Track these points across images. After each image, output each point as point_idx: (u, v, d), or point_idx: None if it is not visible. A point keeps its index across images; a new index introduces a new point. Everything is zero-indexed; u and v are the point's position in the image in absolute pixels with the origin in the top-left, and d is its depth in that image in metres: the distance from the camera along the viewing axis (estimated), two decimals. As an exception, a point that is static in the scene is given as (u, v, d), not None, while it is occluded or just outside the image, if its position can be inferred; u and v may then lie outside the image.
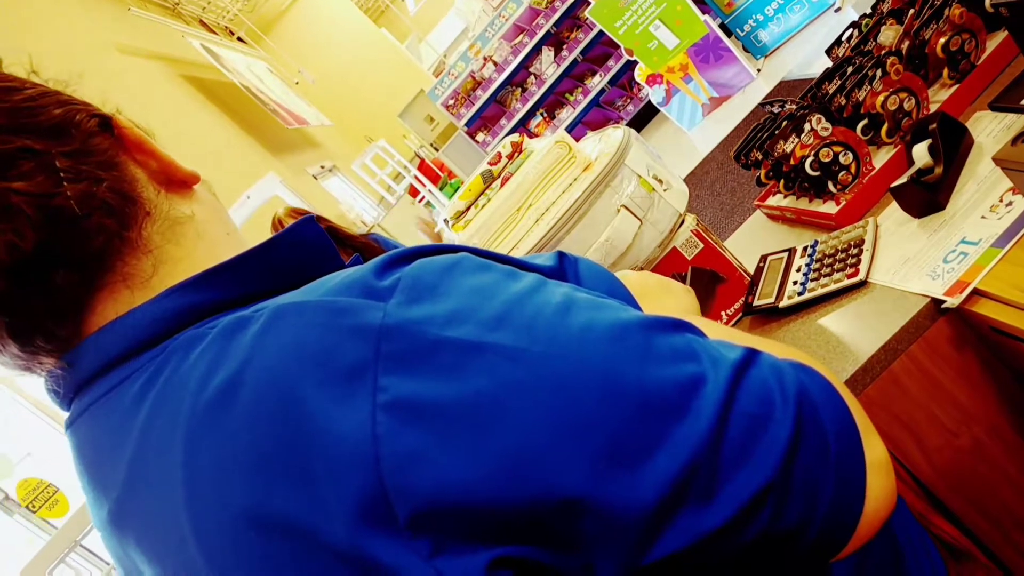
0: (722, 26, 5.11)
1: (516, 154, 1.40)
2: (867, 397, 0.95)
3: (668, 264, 1.27)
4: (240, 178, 5.99)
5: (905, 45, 1.24)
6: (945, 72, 1.22)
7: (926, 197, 1.05)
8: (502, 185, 1.36)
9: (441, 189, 8.98)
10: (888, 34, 1.31)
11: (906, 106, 1.20)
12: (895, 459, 0.97)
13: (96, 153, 0.57)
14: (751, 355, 0.50)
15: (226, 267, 0.57)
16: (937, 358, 0.95)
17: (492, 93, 7.27)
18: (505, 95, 7.43)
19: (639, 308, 0.61)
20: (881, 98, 1.20)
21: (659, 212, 1.24)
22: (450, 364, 0.44)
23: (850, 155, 1.23)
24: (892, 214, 1.15)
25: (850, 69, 1.31)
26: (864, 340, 0.98)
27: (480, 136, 7.56)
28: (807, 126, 1.25)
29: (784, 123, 1.35)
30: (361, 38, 13.25)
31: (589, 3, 5.07)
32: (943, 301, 0.92)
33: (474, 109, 7.36)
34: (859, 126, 1.25)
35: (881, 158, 1.24)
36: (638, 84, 5.84)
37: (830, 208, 1.28)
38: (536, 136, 6.98)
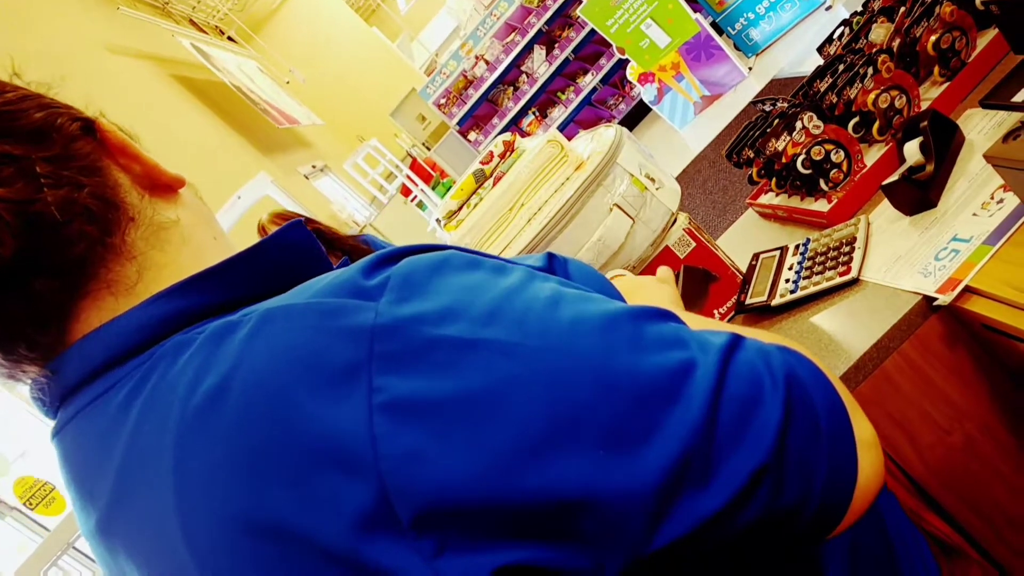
0: (713, 24, 5.12)
1: (508, 153, 1.40)
2: (860, 395, 0.95)
3: (660, 263, 1.26)
4: (231, 178, 5.98)
5: (896, 43, 1.24)
6: (936, 70, 1.22)
7: (918, 195, 1.05)
8: (494, 184, 1.36)
9: (433, 188, 8.98)
10: (879, 32, 1.31)
11: (897, 104, 1.20)
12: (888, 456, 0.97)
13: (78, 158, 0.56)
14: (737, 340, 0.51)
15: (213, 272, 0.56)
16: (929, 355, 0.95)
17: (484, 92, 7.27)
18: (497, 94, 7.42)
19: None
20: (872, 96, 1.20)
21: (651, 211, 1.23)
22: (445, 362, 0.44)
23: (841, 153, 1.23)
24: (884, 212, 1.15)
25: (841, 67, 1.32)
26: (856, 338, 0.98)
27: (472, 135, 7.56)
28: (799, 124, 1.25)
29: (776, 121, 1.35)
30: (352, 37, 13.23)
31: (581, 2, 5.07)
32: (935, 299, 0.92)
33: (466, 108, 7.36)
34: (850, 124, 1.25)
35: (872, 156, 1.24)
36: (630, 83, 5.85)
37: (822, 206, 1.28)
38: (528, 135, 6.97)
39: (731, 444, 0.46)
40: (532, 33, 6.83)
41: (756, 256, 1.34)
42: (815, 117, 1.24)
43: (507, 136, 1.44)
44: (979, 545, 0.98)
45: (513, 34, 7.00)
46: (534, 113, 7.33)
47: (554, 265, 0.62)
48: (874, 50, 1.25)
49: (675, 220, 1.29)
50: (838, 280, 1.09)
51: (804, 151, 1.24)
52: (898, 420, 0.96)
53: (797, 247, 1.25)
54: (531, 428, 0.43)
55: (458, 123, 7.50)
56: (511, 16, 6.83)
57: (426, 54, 14.77)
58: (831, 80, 1.31)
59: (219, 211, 5.21)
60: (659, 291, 0.82)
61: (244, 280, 0.57)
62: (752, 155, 1.45)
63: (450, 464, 0.42)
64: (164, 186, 0.62)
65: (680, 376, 0.46)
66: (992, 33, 1.19)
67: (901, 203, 1.08)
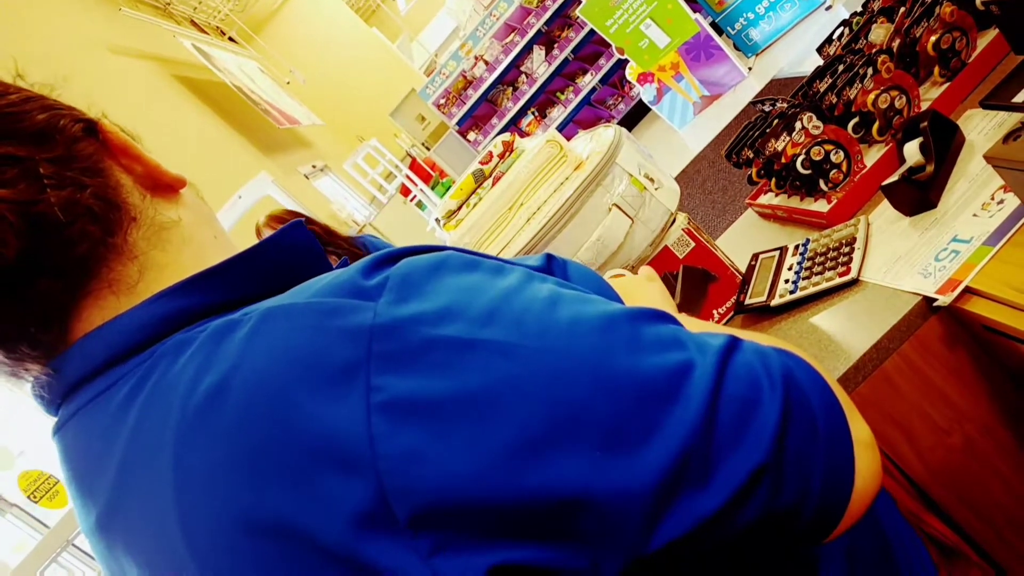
0: (713, 24, 5.12)
1: (507, 153, 1.40)
2: (859, 395, 0.95)
3: (659, 263, 1.26)
4: (232, 178, 5.99)
5: (896, 43, 1.24)
6: (936, 70, 1.22)
7: (917, 195, 1.05)
8: (493, 184, 1.36)
9: (432, 188, 8.98)
10: (879, 32, 1.31)
11: (897, 104, 1.20)
12: (887, 457, 0.97)
13: (80, 159, 0.56)
14: (734, 342, 0.51)
15: (214, 271, 0.57)
16: (929, 356, 0.95)
17: (483, 92, 7.27)
18: (496, 94, 7.42)
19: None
20: (872, 96, 1.20)
21: (650, 211, 1.23)
22: (443, 362, 0.44)
23: (841, 153, 1.23)
24: (884, 212, 1.14)
25: (841, 67, 1.31)
26: (856, 338, 0.98)
27: (471, 135, 7.56)
28: (798, 124, 1.24)
29: (775, 121, 1.35)
30: (352, 37, 13.24)
31: (580, 2, 5.07)
32: (935, 299, 0.92)
33: (465, 108, 7.36)
34: (850, 124, 1.25)
35: (872, 156, 1.24)
36: (629, 83, 5.85)
37: (821, 206, 1.28)
38: (527, 135, 6.97)
39: (729, 444, 0.46)
40: (531, 33, 6.83)
41: (755, 256, 1.34)
42: (815, 117, 1.23)
43: (506, 136, 1.43)
44: (979, 546, 0.97)
45: (512, 34, 7.00)
46: (533, 113, 7.33)
47: (552, 266, 0.62)
48: (874, 50, 1.25)
49: (674, 220, 1.28)
50: (838, 281, 1.09)
51: (804, 151, 1.23)
52: (898, 421, 0.96)
53: (797, 247, 1.25)
54: (529, 428, 0.43)
55: (457, 123, 7.50)
56: (510, 16, 6.83)
57: (426, 54, 14.79)
58: (831, 80, 1.31)
59: (220, 210, 5.21)
60: (652, 291, 0.82)
61: (245, 279, 0.57)
62: (752, 155, 1.45)
63: (448, 464, 0.42)
64: (165, 186, 0.63)
65: (678, 377, 0.47)
66: (992, 33, 1.19)
67: (901, 204, 1.08)
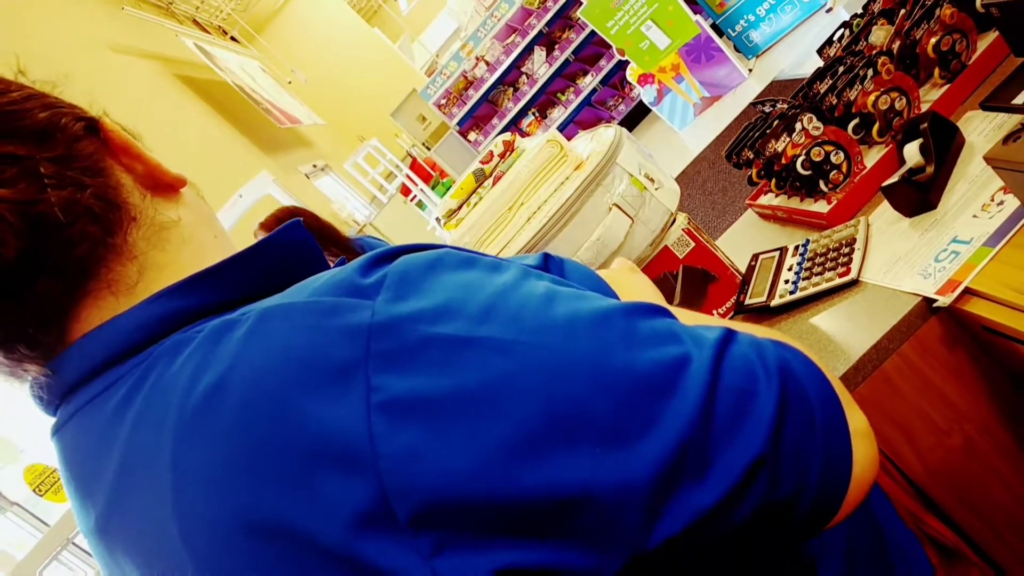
0: (714, 26, 5.12)
1: (508, 153, 1.40)
2: (859, 396, 0.95)
3: (659, 263, 1.27)
4: (233, 177, 5.99)
5: (896, 45, 1.24)
6: (936, 72, 1.22)
7: (917, 196, 1.05)
8: (494, 184, 1.36)
9: (433, 188, 8.98)
10: (879, 34, 1.31)
11: (897, 105, 1.20)
12: (887, 458, 0.97)
13: (81, 158, 0.56)
14: (729, 334, 0.51)
15: (212, 271, 0.56)
16: (929, 357, 0.95)
17: (484, 93, 7.27)
18: (497, 95, 7.43)
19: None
20: (872, 97, 1.20)
21: (650, 211, 1.23)
22: (441, 360, 0.44)
23: (841, 154, 1.23)
24: (883, 213, 1.15)
25: (841, 69, 1.32)
26: (856, 339, 0.98)
27: (472, 135, 7.56)
28: (798, 125, 1.25)
29: (775, 122, 1.35)
30: (354, 37, 13.23)
31: (581, 3, 5.07)
32: (935, 300, 0.92)
33: (466, 108, 7.36)
34: (850, 125, 1.25)
35: (872, 157, 1.24)
36: (630, 84, 5.85)
37: (821, 207, 1.28)
38: (528, 135, 6.97)
39: (728, 436, 0.46)
40: (532, 34, 6.83)
41: (755, 257, 1.34)
42: (815, 118, 1.24)
43: (507, 136, 1.44)
44: (979, 547, 0.97)
45: (513, 35, 7.00)
46: (534, 114, 7.33)
47: (550, 265, 0.62)
48: (874, 52, 1.25)
49: (674, 220, 1.29)
50: (838, 281, 1.09)
51: (804, 152, 1.24)
52: (897, 422, 0.96)
53: (797, 248, 1.25)
54: (528, 425, 0.43)
55: (458, 123, 7.50)
56: (512, 17, 6.83)
57: (427, 55, 14.79)
58: (831, 82, 1.31)
59: (221, 209, 5.21)
60: (639, 284, 0.82)
61: (243, 279, 0.57)
62: (752, 156, 1.45)
63: (448, 462, 0.42)
64: (166, 186, 0.62)
65: (675, 370, 0.47)
66: (992, 36, 1.19)
67: (901, 204, 1.08)
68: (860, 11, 1.55)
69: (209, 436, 0.45)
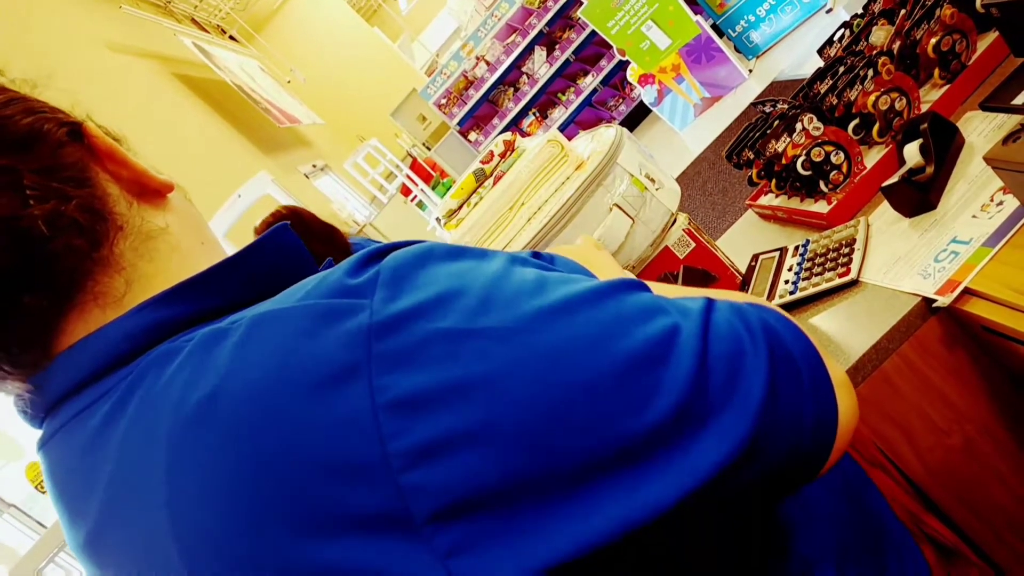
0: (714, 27, 5.12)
1: (508, 153, 1.40)
2: (859, 396, 0.94)
3: (660, 263, 1.27)
4: (232, 176, 5.98)
5: (896, 45, 1.24)
6: (936, 72, 1.22)
7: (917, 196, 1.05)
8: (494, 184, 1.36)
9: (433, 188, 8.97)
10: (879, 34, 1.31)
11: (897, 106, 1.20)
12: (887, 458, 0.97)
13: (65, 167, 0.54)
14: (710, 303, 0.52)
15: (199, 279, 0.55)
16: (928, 357, 0.95)
17: (484, 92, 7.26)
18: (497, 94, 7.42)
19: None
20: (872, 98, 1.20)
21: (651, 211, 1.23)
22: (444, 354, 0.44)
23: (841, 154, 1.23)
24: (883, 213, 1.15)
25: (842, 69, 1.32)
26: (855, 339, 0.98)
27: (472, 135, 7.55)
28: (799, 126, 1.25)
29: (776, 123, 1.35)
30: (353, 37, 13.22)
31: (581, 3, 5.07)
32: (934, 300, 0.92)
33: (466, 108, 7.35)
34: (850, 126, 1.25)
35: (872, 158, 1.24)
36: (630, 84, 5.85)
37: (821, 207, 1.28)
38: (528, 135, 6.97)
39: (725, 400, 0.47)
40: (533, 34, 6.83)
41: (755, 257, 1.34)
42: (815, 119, 1.24)
43: (507, 136, 1.44)
44: (978, 547, 0.98)
45: (514, 35, 7.00)
46: (534, 114, 7.33)
47: (540, 259, 0.62)
48: (874, 52, 1.25)
49: (675, 220, 1.29)
50: (837, 281, 1.09)
51: (804, 152, 1.24)
52: (897, 422, 0.96)
53: (796, 248, 1.25)
54: (537, 409, 0.44)
55: (458, 123, 7.50)
56: (512, 17, 6.83)
57: (427, 54, 14.78)
58: (831, 82, 1.31)
59: (219, 210, 5.20)
60: (604, 259, 0.83)
61: (230, 286, 0.56)
62: (752, 156, 1.45)
63: (464, 455, 0.42)
64: (152, 192, 0.61)
65: (667, 340, 0.47)
66: (992, 36, 1.19)
67: (901, 205, 1.08)
68: (860, 11, 1.55)
69: (205, 448, 0.44)
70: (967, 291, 0.89)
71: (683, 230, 1.27)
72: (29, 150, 0.53)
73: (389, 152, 9.62)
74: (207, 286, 0.55)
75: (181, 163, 5.35)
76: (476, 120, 7.55)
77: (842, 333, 1.02)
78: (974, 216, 0.96)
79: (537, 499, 0.43)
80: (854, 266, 1.08)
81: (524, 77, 7.25)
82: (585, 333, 0.47)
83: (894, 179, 1.08)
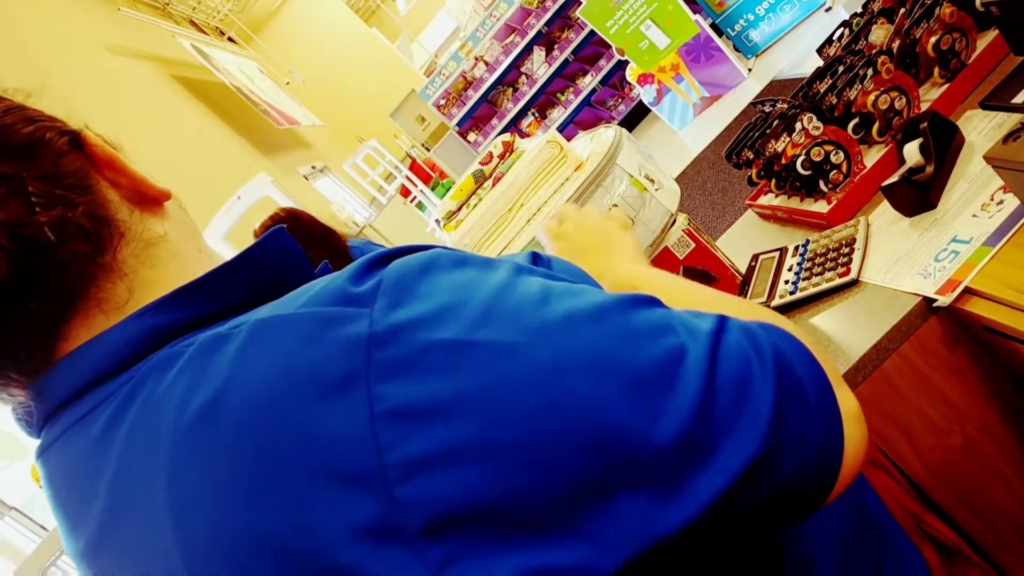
0: (713, 26, 5.13)
1: (507, 154, 1.40)
2: (859, 396, 0.94)
3: (660, 264, 1.26)
4: (231, 179, 5.99)
5: (896, 44, 1.24)
6: (936, 71, 1.22)
7: (917, 196, 1.05)
8: (493, 185, 1.36)
9: (432, 189, 8.98)
10: (879, 33, 1.31)
11: (897, 105, 1.20)
12: (887, 458, 0.97)
13: (67, 175, 0.54)
14: (722, 322, 0.51)
15: (197, 284, 0.55)
16: (929, 357, 0.95)
17: (483, 93, 7.27)
18: (496, 95, 7.42)
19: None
20: (872, 97, 1.20)
21: (651, 211, 1.23)
22: (443, 365, 0.44)
23: (841, 154, 1.23)
24: (883, 213, 1.15)
25: (841, 68, 1.32)
26: (856, 339, 0.98)
27: (471, 136, 7.56)
28: (798, 125, 1.25)
29: (775, 122, 1.35)
30: (352, 38, 13.23)
31: (580, 3, 5.07)
32: (935, 300, 0.92)
33: (465, 109, 7.36)
34: (850, 125, 1.25)
35: (872, 157, 1.24)
36: (629, 84, 5.85)
37: (821, 207, 1.28)
38: (527, 136, 6.98)
39: (730, 426, 0.46)
40: (532, 34, 6.83)
41: (755, 257, 1.34)
42: (815, 118, 1.24)
43: (506, 137, 1.44)
44: (979, 547, 0.97)
45: (513, 35, 7.00)
46: (533, 114, 7.33)
47: (539, 263, 0.62)
48: (874, 51, 1.25)
49: (674, 221, 1.29)
50: (838, 281, 1.09)
51: (804, 152, 1.24)
52: (898, 421, 0.96)
53: (796, 248, 1.25)
54: (535, 428, 0.43)
55: (457, 124, 7.50)
56: (511, 17, 6.83)
57: (426, 55, 14.80)
58: (831, 81, 1.31)
59: (218, 212, 5.19)
60: (627, 244, 0.83)
61: (229, 290, 0.56)
62: (752, 156, 1.45)
63: (459, 469, 0.42)
64: (151, 200, 0.61)
65: (673, 363, 0.47)
66: (992, 34, 1.19)
67: (901, 204, 1.08)
68: (860, 10, 1.55)
69: (207, 454, 0.44)
70: (967, 290, 0.89)
71: (683, 230, 1.27)
72: (32, 158, 0.53)
73: (388, 153, 9.62)
74: (206, 291, 0.55)
75: (180, 165, 5.35)
76: (475, 121, 7.55)
77: (842, 333, 1.02)
78: (974, 215, 0.96)
79: (532, 518, 0.43)
80: (854, 266, 1.08)
81: (523, 77, 7.25)
82: (588, 350, 0.46)
83: (894, 178, 1.08)
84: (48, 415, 0.54)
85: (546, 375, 0.44)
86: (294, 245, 0.60)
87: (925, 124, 1.06)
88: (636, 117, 6.92)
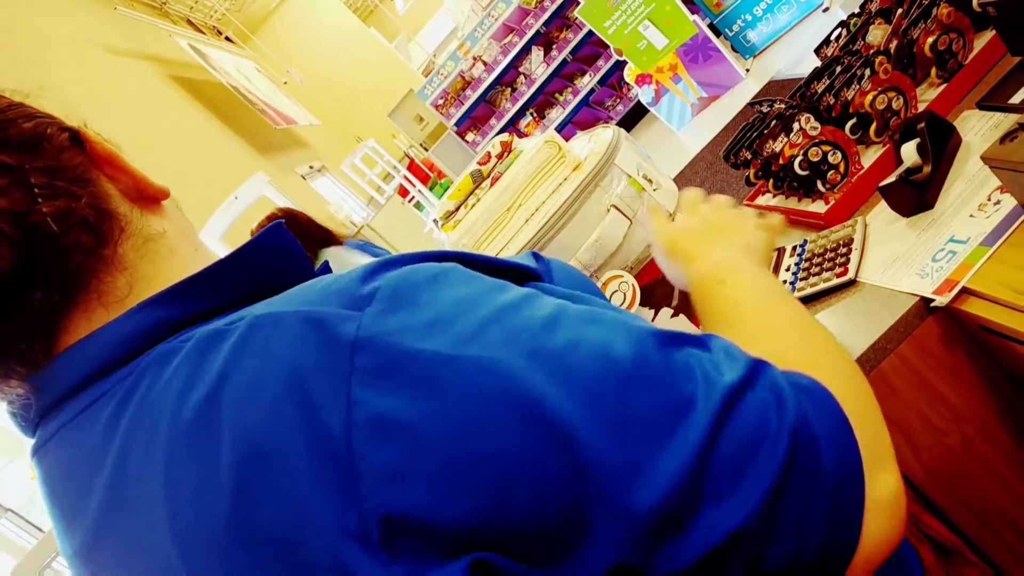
0: (711, 26, 5.12)
1: (506, 154, 1.40)
2: (857, 396, 0.95)
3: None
4: (228, 178, 5.97)
5: (893, 44, 1.24)
6: (933, 71, 1.22)
7: (915, 196, 1.05)
8: (492, 185, 1.36)
9: (431, 189, 8.97)
10: (876, 33, 1.31)
11: (894, 105, 1.20)
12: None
13: (69, 169, 0.55)
14: (752, 375, 0.48)
15: (195, 279, 0.56)
16: (926, 357, 0.95)
17: (482, 93, 7.26)
18: (495, 95, 7.42)
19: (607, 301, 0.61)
20: (870, 97, 1.20)
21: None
22: (423, 377, 0.43)
23: (839, 154, 1.23)
24: (881, 213, 1.15)
25: (839, 68, 1.32)
26: (853, 339, 0.98)
27: (470, 136, 7.55)
28: (796, 125, 1.25)
29: (773, 122, 1.35)
30: (350, 37, 13.22)
31: (578, 3, 5.07)
32: (932, 300, 0.92)
33: (463, 109, 7.35)
34: (848, 125, 1.25)
35: (870, 157, 1.24)
36: (627, 84, 5.84)
37: (819, 207, 1.28)
38: (526, 136, 6.97)
39: (720, 494, 0.44)
40: (530, 34, 6.83)
41: (753, 257, 1.34)
42: (812, 118, 1.24)
43: (504, 137, 1.44)
44: (977, 547, 0.97)
45: (511, 35, 7.00)
46: (532, 114, 7.33)
47: (540, 264, 0.62)
48: (871, 51, 1.25)
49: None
50: (835, 281, 1.09)
51: (801, 152, 1.24)
52: (895, 422, 0.96)
53: (794, 248, 1.25)
54: (504, 458, 0.42)
55: (456, 124, 7.50)
56: (509, 17, 6.83)
57: (424, 55, 14.78)
58: (828, 82, 1.31)
59: (216, 212, 5.18)
60: (757, 240, 0.78)
61: (226, 285, 0.56)
62: (749, 156, 1.45)
63: (423, 486, 0.41)
64: (150, 198, 0.62)
65: (675, 414, 0.44)
66: (989, 35, 1.19)
67: (898, 204, 1.08)
68: (857, 11, 1.55)
69: (202, 451, 0.45)
70: (965, 290, 0.89)
71: (681, 230, 1.27)
72: (34, 151, 0.53)
73: (386, 153, 9.61)
74: (205, 286, 0.56)
75: (177, 165, 5.34)
76: (473, 121, 7.54)
77: (840, 333, 1.02)
78: (971, 215, 0.96)
79: (490, 543, 0.42)
80: (852, 266, 1.08)
81: (521, 77, 7.25)
82: (580, 383, 0.44)
83: (891, 179, 1.08)
84: (45, 411, 0.54)
85: (529, 403, 0.43)
86: (292, 240, 0.61)
87: (922, 124, 1.06)
88: (634, 117, 6.92)
